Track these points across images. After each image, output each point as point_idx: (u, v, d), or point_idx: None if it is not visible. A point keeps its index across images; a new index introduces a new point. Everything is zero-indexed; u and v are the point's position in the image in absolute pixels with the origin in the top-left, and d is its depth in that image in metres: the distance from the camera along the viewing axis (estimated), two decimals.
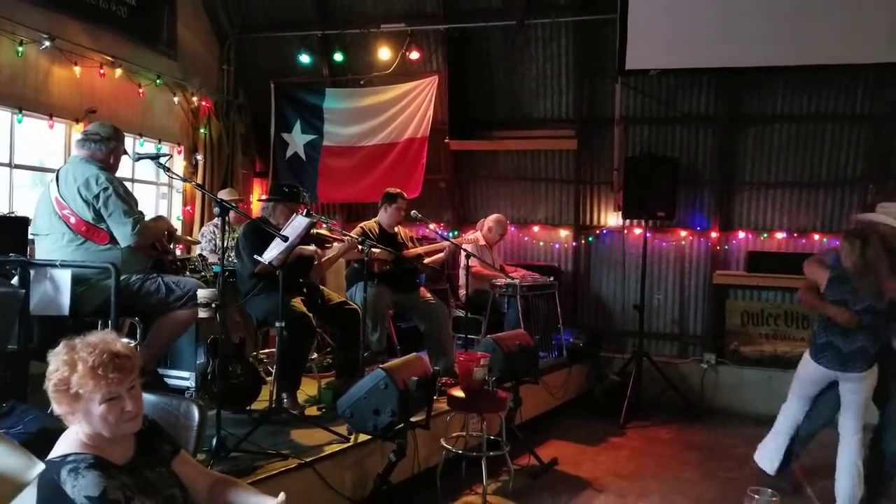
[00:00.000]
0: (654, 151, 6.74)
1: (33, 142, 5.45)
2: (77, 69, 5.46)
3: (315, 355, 4.76)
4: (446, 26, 6.77)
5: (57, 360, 1.68)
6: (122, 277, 3.21)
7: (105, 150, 3.47)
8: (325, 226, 4.45)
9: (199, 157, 6.85)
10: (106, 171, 3.39)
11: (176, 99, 6.61)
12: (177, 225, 6.60)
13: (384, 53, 6.96)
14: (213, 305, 3.12)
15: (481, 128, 7.21)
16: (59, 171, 3.48)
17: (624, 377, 6.31)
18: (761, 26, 5.62)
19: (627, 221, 6.92)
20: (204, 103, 6.90)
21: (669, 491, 4.32)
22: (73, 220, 3.30)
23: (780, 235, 6.64)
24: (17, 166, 5.28)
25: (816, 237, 6.54)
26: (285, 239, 3.46)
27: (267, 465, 3.17)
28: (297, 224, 3.54)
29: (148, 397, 2.01)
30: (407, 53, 6.82)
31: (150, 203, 6.65)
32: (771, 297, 6.71)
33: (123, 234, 3.29)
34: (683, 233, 6.90)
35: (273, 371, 4.08)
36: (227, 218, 3.27)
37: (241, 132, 7.36)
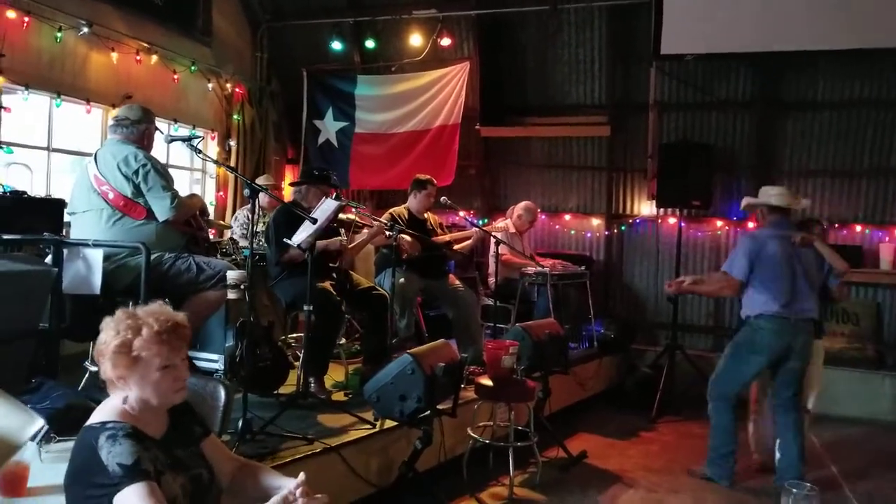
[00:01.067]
0: (690, 138, 6.59)
1: (71, 126, 5.55)
2: (114, 55, 5.54)
3: (343, 341, 4.77)
4: (478, 12, 6.69)
5: (117, 324, 1.74)
6: (153, 256, 3.25)
7: (137, 132, 3.52)
8: (354, 210, 4.43)
9: (232, 142, 6.92)
10: (143, 150, 3.45)
11: (210, 85, 6.67)
12: (210, 210, 6.67)
13: (415, 40, 6.92)
14: (242, 287, 3.13)
15: (513, 114, 7.13)
16: (96, 152, 3.56)
17: (656, 370, 6.18)
18: (803, 8, 5.44)
19: (662, 210, 6.79)
20: (237, 90, 6.96)
21: (701, 487, 4.22)
22: (111, 195, 3.35)
23: None
24: (55, 150, 5.38)
25: (858, 228, 6.33)
26: (314, 221, 3.46)
27: (292, 449, 3.18)
28: (325, 207, 3.54)
29: None
30: (438, 40, 6.77)
31: (184, 188, 6.72)
32: None
33: (162, 207, 3.34)
34: (719, 223, 6.74)
35: (301, 355, 4.08)
36: (258, 202, 3.27)
37: (274, 119, 7.40)
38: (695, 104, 6.60)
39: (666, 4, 5.69)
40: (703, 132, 6.61)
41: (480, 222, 7.06)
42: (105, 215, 3.35)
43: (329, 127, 7.40)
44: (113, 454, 1.61)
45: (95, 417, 1.73)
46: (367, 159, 7.28)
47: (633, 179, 7.02)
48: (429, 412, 3.43)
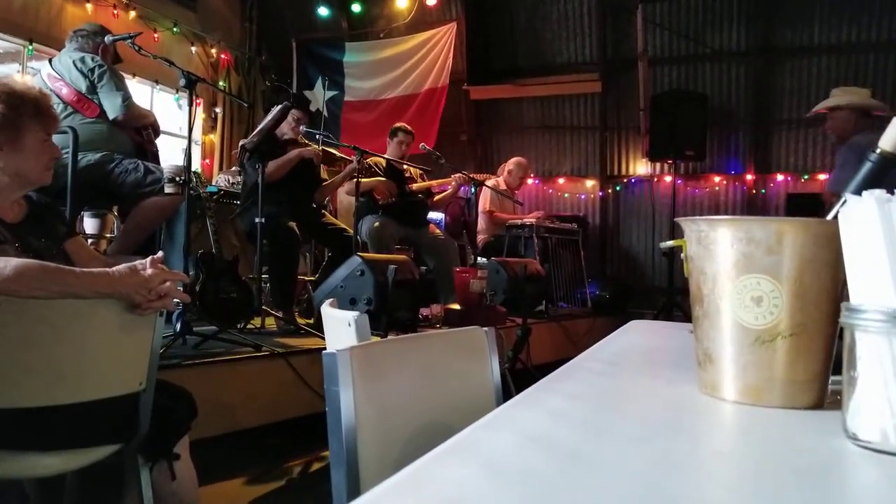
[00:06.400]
0: (683, 88, 6.39)
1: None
2: (89, 7, 5.52)
3: (311, 278, 4.64)
4: None
5: None
6: (102, 154, 3.22)
7: (93, 43, 3.55)
8: (318, 137, 4.32)
9: (218, 109, 6.85)
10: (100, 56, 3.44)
11: (194, 49, 6.62)
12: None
13: (401, 1, 6.84)
14: (178, 180, 3.00)
15: (504, 77, 6.99)
16: (51, 58, 3.54)
17: None
18: None
19: (657, 169, 6.57)
20: (223, 56, 6.91)
21: None
22: (64, 91, 3.34)
23: (822, 177, 6.18)
24: None
25: None
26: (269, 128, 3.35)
27: (236, 352, 3.02)
28: (272, 111, 3.44)
29: None
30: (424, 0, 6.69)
31: (173, 155, 6.65)
32: None
33: (113, 104, 3.32)
34: (717, 178, 6.51)
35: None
36: (194, 93, 3.17)
37: (263, 88, 7.34)
38: (687, 56, 6.43)
39: None
40: (697, 85, 6.42)
41: (472, 190, 6.88)
42: (57, 111, 3.31)
43: (319, 96, 7.31)
44: None
45: None
46: (357, 126, 7.18)
47: (628, 138, 6.83)
48: (384, 321, 3.25)
